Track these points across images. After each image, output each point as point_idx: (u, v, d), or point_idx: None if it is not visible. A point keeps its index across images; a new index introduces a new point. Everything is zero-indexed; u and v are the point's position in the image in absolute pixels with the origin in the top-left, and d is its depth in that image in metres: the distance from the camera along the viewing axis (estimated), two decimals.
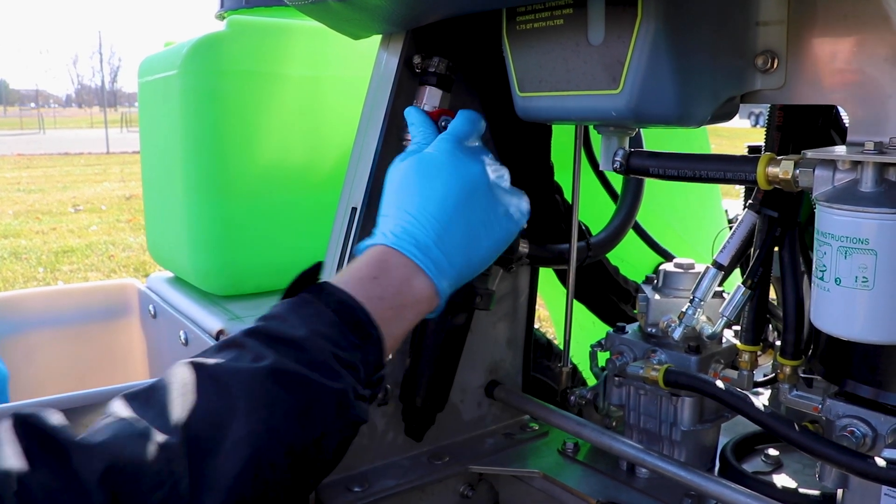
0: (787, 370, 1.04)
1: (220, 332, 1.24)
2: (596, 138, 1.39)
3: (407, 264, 0.86)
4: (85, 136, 30.90)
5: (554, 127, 1.39)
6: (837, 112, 1.08)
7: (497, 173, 0.98)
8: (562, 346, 1.45)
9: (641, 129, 1.44)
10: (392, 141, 1.17)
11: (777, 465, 1.20)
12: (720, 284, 1.14)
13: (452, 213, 0.90)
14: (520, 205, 1.00)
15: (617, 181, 1.54)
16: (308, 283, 0.82)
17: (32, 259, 6.88)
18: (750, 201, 1.10)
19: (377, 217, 0.93)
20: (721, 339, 1.19)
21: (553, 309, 2.12)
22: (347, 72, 1.45)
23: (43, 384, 1.55)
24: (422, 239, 0.88)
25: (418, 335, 1.20)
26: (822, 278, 0.81)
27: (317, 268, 0.85)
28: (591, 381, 1.41)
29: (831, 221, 0.79)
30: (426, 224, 0.88)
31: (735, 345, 1.17)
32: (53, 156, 20.64)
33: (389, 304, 0.83)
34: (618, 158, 1.03)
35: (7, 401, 1.31)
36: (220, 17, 1.56)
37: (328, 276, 1.20)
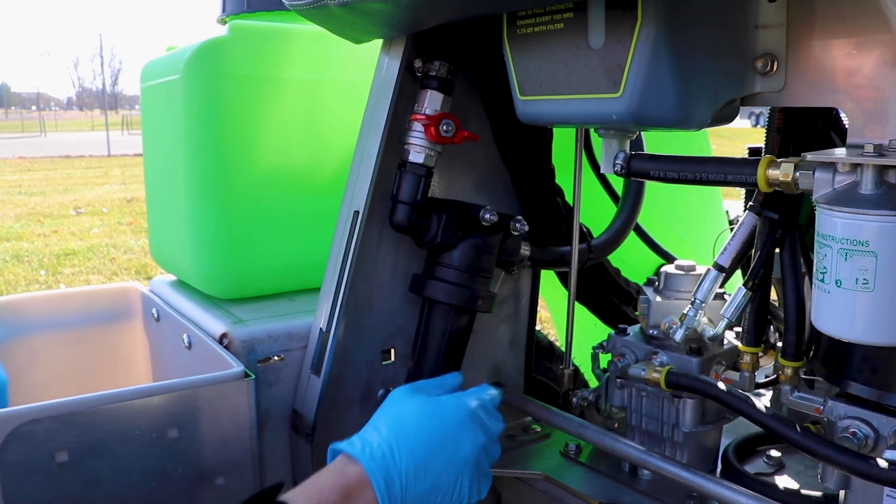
0: (789, 371, 1.04)
1: (224, 336, 1.24)
2: (597, 141, 1.39)
3: (369, 499, 0.88)
4: (86, 138, 30.90)
5: (555, 130, 1.39)
6: (837, 114, 1.08)
7: (490, 447, 1.03)
8: (563, 348, 1.45)
9: (642, 132, 1.45)
10: (393, 144, 1.18)
11: (779, 467, 1.21)
12: (721, 286, 1.14)
13: (430, 462, 0.94)
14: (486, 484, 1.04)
15: (618, 183, 1.55)
16: (266, 501, 0.83)
17: (34, 262, 6.89)
18: (751, 203, 1.10)
19: (366, 426, 0.97)
20: (722, 340, 1.20)
21: (554, 311, 2.12)
22: (349, 76, 1.45)
23: (45, 388, 1.56)
24: (393, 473, 0.90)
25: (421, 338, 1.20)
26: (822, 280, 0.81)
27: (277, 488, 0.86)
28: (593, 382, 1.41)
29: (832, 224, 0.79)
30: (405, 462, 0.91)
31: (736, 346, 1.17)
32: (55, 158, 20.64)
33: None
34: (618, 161, 1.03)
35: (6, 405, 1.31)
36: (222, 22, 1.56)
37: (330, 279, 1.21)
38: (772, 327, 1.30)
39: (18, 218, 9.51)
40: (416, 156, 1.16)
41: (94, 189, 12.64)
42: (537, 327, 1.53)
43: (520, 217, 1.23)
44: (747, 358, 1.13)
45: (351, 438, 0.94)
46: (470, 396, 1.03)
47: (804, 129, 1.05)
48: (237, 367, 1.15)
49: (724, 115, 0.95)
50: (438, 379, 1.09)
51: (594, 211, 1.50)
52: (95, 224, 8.98)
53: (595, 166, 1.52)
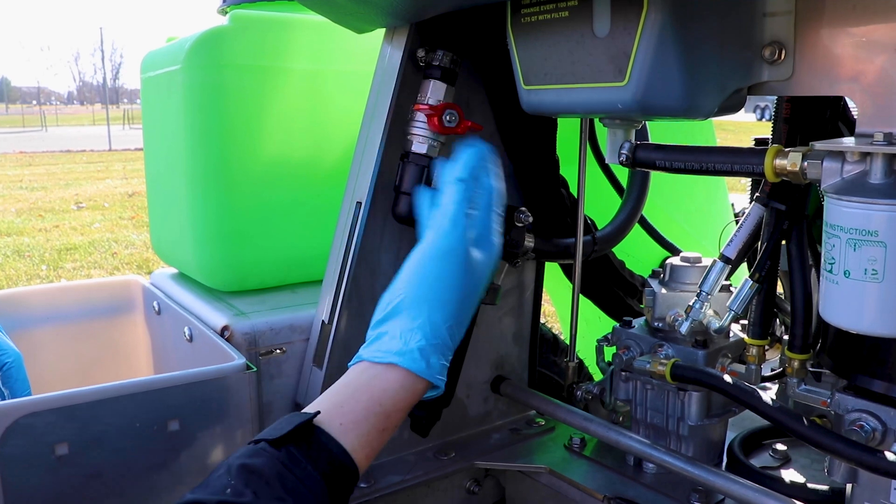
0: (796, 364, 1.03)
1: (225, 328, 1.24)
2: (601, 132, 1.38)
3: (415, 384, 0.83)
4: (87, 133, 30.91)
5: (559, 120, 1.38)
6: (845, 103, 1.07)
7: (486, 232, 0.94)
8: (568, 341, 1.44)
9: (647, 122, 1.43)
10: (396, 135, 1.17)
11: (785, 460, 1.20)
12: (727, 278, 1.14)
13: (461, 311, 0.88)
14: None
15: (623, 175, 1.54)
16: (301, 434, 0.77)
17: (35, 257, 6.89)
18: (757, 194, 1.09)
19: (390, 292, 0.89)
20: (728, 333, 1.19)
21: (559, 304, 2.12)
22: (351, 66, 1.44)
23: (47, 381, 1.55)
24: (441, 350, 0.85)
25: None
26: (830, 271, 0.80)
27: (310, 420, 0.78)
28: (598, 375, 1.40)
29: (840, 213, 0.78)
30: (442, 337, 0.86)
31: (742, 339, 1.16)
32: (56, 153, 20.65)
33: (382, 439, 0.81)
34: (624, 151, 1.02)
35: (27, 381, 1.31)
36: (223, 12, 1.55)
37: (332, 271, 1.20)
38: (778, 320, 1.29)
39: (19, 213, 9.51)
40: (419, 146, 1.14)
41: (96, 184, 12.65)
42: (541, 320, 1.52)
43: (524, 208, 1.21)
44: (753, 350, 1.12)
45: (402, 351, 0.84)
46: (468, 225, 0.92)
47: (812, 119, 1.04)
48: (239, 359, 1.14)
49: (731, 105, 0.94)
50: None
51: (599, 202, 1.49)
52: (97, 219, 8.98)
53: (599, 157, 1.51)
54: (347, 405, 0.81)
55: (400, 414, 0.83)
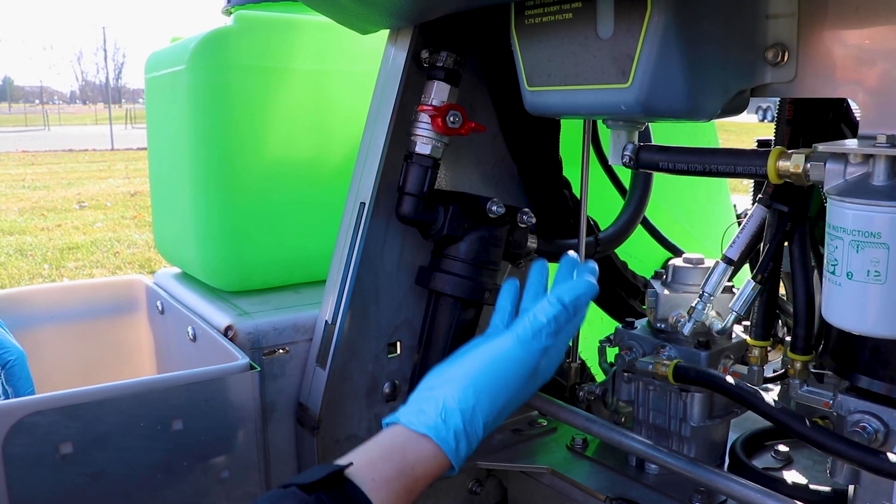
0: (798, 365, 1.04)
1: (229, 328, 1.24)
2: (604, 133, 1.39)
3: (442, 460, 0.87)
4: (89, 132, 30.92)
5: (563, 122, 1.38)
6: (848, 106, 1.07)
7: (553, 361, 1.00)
8: (570, 342, 1.44)
9: (650, 124, 1.44)
10: (400, 136, 1.17)
11: (787, 462, 1.20)
12: (730, 279, 1.14)
13: (503, 414, 0.93)
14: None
15: (625, 176, 1.54)
16: (332, 482, 0.78)
17: (38, 256, 6.90)
18: (760, 196, 1.09)
19: (433, 373, 0.94)
20: (731, 334, 1.19)
21: None
22: (355, 67, 1.44)
23: (50, 380, 1.55)
24: (472, 439, 0.89)
25: (427, 331, 1.20)
26: (833, 272, 0.80)
27: (341, 471, 0.80)
28: (600, 376, 1.40)
29: (843, 215, 0.78)
30: (478, 429, 0.89)
31: (745, 340, 1.16)
32: (58, 152, 20.67)
33: (411, 489, 0.83)
34: (627, 153, 1.03)
35: (30, 379, 1.32)
36: (227, 13, 1.55)
37: (336, 272, 1.20)
38: (780, 321, 1.30)
39: (22, 212, 9.52)
40: (423, 147, 1.15)
41: (98, 183, 12.66)
42: None
43: (527, 209, 1.22)
44: (756, 352, 1.12)
45: (438, 424, 0.87)
46: (538, 333, 0.96)
47: (814, 121, 1.04)
48: (242, 359, 1.14)
49: (734, 106, 0.94)
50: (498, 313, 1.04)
51: (602, 204, 1.50)
52: (99, 218, 8.99)
53: (602, 159, 1.52)
54: (380, 463, 0.83)
55: (426, 481, 0.85)
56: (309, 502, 0.74)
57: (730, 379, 1.02)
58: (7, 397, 1.29)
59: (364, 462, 0.82)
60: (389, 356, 1.26)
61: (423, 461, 0.85)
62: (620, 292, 1.56)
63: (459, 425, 0.88)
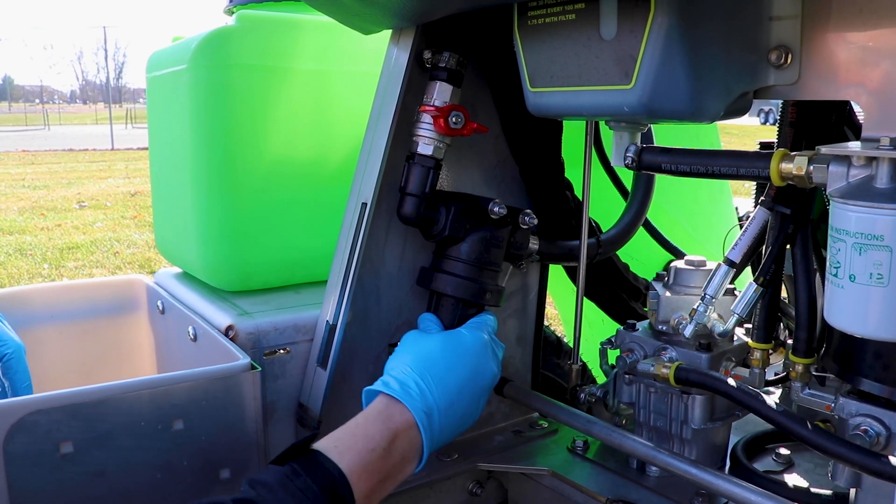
0: (800, 368, 1.03)
1: (230, 328, 1.24)
2: (607, 135, 1.39)
3: (413, 438, 0.95)
4: (90, 132, 30.92)
5: (565, 123, 1.38)
6: (851, 108, 1.07)
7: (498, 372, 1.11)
8: (571, 344, 1.44)
9: (652, 125, 1.44)
10: (402, 136, 1.17)
11: (788, 465, 1.20)
12: (732, 282, 1.14)
13: (461, 396, 1.02)
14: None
15: (627, 178, 1.54)
16: (302, 451, 0.88)
17: (37, 255, 6.89)
18: (762, 198, 1.09)
19: (393, 367, 1.03)
20: (732, 336, 1.19)
21: (562, 306, 2.12)
22: (357, 67, 1.44)
23: (50, 380, 1.55)
24: (433, 410, 0.97)
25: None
26: (836, 275, 0.80)
27: (310, 438, 0.91)
28: (601, 378, 1.40)
29: (846, 218, 0.78)
30: (441, 399, 0.98)
31: (747, 343, 1.16)
32: (58, 152, 20.66)
33: (381, 478, 0.91)
34: (629, 154, 1.03)
35: (27, 372, 1.31)
36: (229, 12, 1.55)
37: (337, 272, 1.20)
38: (782, 324, 1.29)
39: (22, 211, 9.52)
40: (425, 147, 1.15)
41: (98, 183, 12.66)
42: (545, 323, 1.52)
43: (529, 210, 1.22)
44: (757, 354, 1.12)
45: (385, 380, 0.99)
46: (481, 328, 1.11)
47: (817, 124, 1.04)
48: (243, 359, 1.14)
49: (737, 108, 0.94)
50: (428, 325, 1.15)
51: (603, 205, 1.50)
52: (99, 218, 8.99)
53: (605, 160, 1.52)
54: (336, 432, 0.93)
55: (383, 435, 0.92)
56: (283, 470, 0.84)
57: (731, 381, 1.02)
58: (3, 390, 1.29)
59: (329, 436, 0.92)
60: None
61: (373, 415, 0.95)
62: (622, 294, 1.56)
63: (407, 375, 0.98)
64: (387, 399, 0.97)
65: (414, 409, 0.95)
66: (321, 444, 0.90)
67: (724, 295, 1.13)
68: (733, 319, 1.09)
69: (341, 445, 0.90)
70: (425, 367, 1.00)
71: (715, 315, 1.13)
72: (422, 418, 0.95)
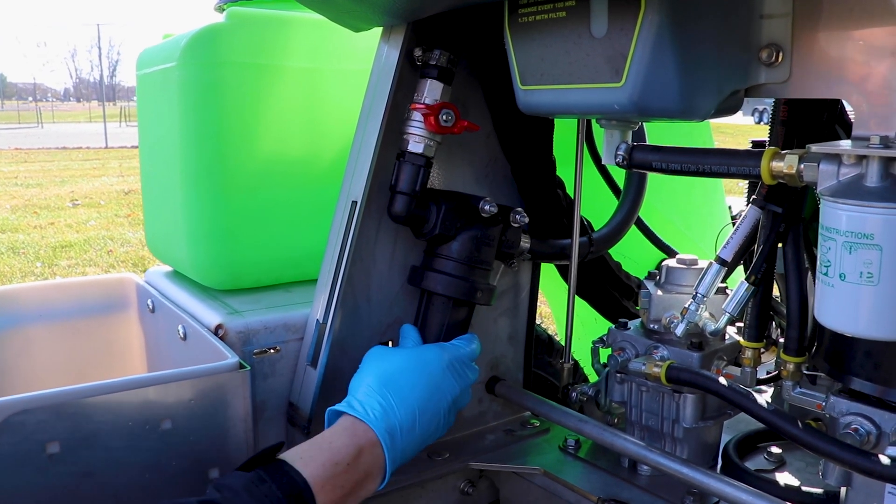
0: (791, 367, 1.03)
1: (219, 327, 1.23)
2: (598, 133, 1.38)
3: (377, 456, 0.98)
4: (83, 130, 30.83)
5: (556, 121, 1.38)
6: (842, 107, 1.07)
7: (465, 387, 1.13)
8: (563, 343, 1.44)
9: (644, 124, 1.43)
10: (392, 134, 1.16)
11: (780, 463, 1.20)
12: (723, 281, 1.13)
13: (423, 415, 1.04)
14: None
15: (619, 176, 1.53)
16: (268, 459, 0.91)
17: (30, 254, 6.87)
18: (754, 197, 1.09)
19: (357, 386, 1.05)
20: (724, 335, 1.19)
21: (554, 305, 2.12)
22: (348, 64, 1.44)
23: (39, 379, 1.54)
24: (396, 429, 1.00)
25: (419, 330, 1.19)
26: (826, 274, 0.80)
27: (277, 447, 0.94)
28: (593, 377, 1.40)
29: (836, 216, 0.78)
30: (403, 418, 1.01)
31: (738, 341, 1.16)
32: (51, 150, 20.59)
33: (344, 492, 0.93)
34: (620, 152, 1.02)
35: None
36: (220, 9, 1.54)
37: (327, 271, 1.20)
38: (774, 322, 1.29)
39: (14, 209, 9.48)
40: (416, 146, 1.14)
41: (91, 181, 12.62)
42: (537, 321, 1.52)
43: (520, 209, 1.21)
44: (749, 353, 1.12)
45: (349, 401, 1.02)
46: (446, 348, 1.12)
47: (809, 122, 1.04)
48: (232, 358, 1.13)
49: (728, 107, 0.94)
50: (405, 340, 1.17)
51: (595, 204, 1.49)
52: (92, 216, 8.96)
53: (596, 158, 1.51)
54: (305, 445, 0.96)
55: (348, 450, 0.95)
56: (248, 476, 0.87)
57: (722, 380, 1.02)
58: None
59: (295, 447, 0.95)
60: None
61: (338, 431, 0.98)
62: (614, 293, 1.56)
63: (371, 396, 1.01)
64: (351, 419, 0.99)
65: (377, 429, 0.98)
66: (287, 454, 0.92)
67: (715, 294, 1.13)
68: (725, 318, 1.09)
69: (307, 456, 0.92)
70: (387, 386, 1.03)
71: (706, 314, 1.13)
72: (385, 437, 0.98)
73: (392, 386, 1.03)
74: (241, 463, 0.92)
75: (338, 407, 1.02)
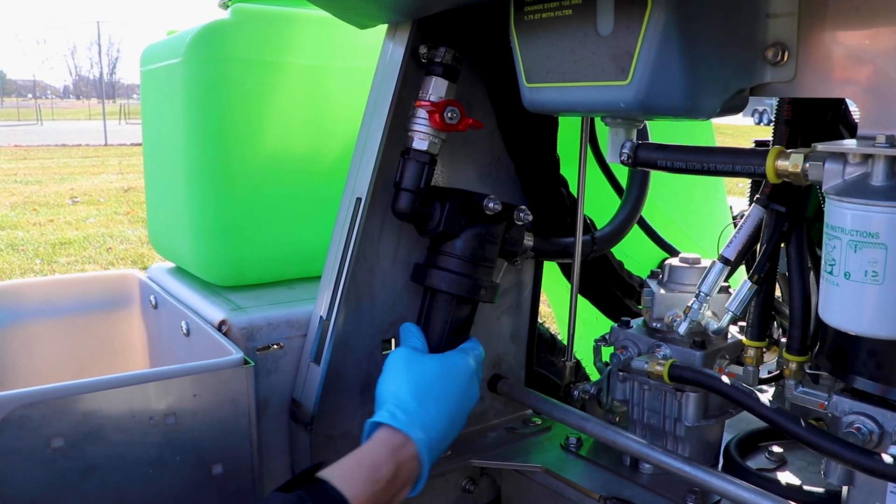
0: (793, 366, 1.04)
1: (223, 323, 1.23)
2: (602, 132, 1.38)
3: (414, 469, 0.97)
4: (83, 127, 30.78)
5: (560, 120, 1.38)
6: (846, 106, 1.07)
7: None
8: (565, 341, 1.44)
9: (647, 122, 1.43)
10: (397, 131, 1.17)
11: (781, 462, 1.20)
12: (726, 280, 1.13)
13: (453, 423, 1.05)
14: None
15: (622, 175, 1.54)
16: (307, 479, 0.90)
17: (30, 251, 6.86)
18: (757, 196, 1.09)
19: (390, 397, 1.03)
20: (726, 334, 1.19)
21: (556, 304, 2.12)
22: (353, 62, 1.44)
23: (42, 375, 1.54)
24: (433, 440, 1.00)
25: (423, 327, 1.19)
26: (831, 272, 0.80)
27: (317, 466, 0.92)
28: (595, 375, 1.40)
29: (841, 215, 0.78)
30: (439, 428, 1.01)
31: (740, 340, 1.16)
32: (51, 147, 20.56)
33: (376, 477, 0.93)
34: (625, 151, 1.02)
35: None
36: (224, 6, 1.54)
37: (331, 267, 1.20)
38: (776, 322, 1.30)
39: (14, 206, 9.47)
40: (420, 143, 1.14)
41: (91, 178, 12.60)
42: (539, 320, 1.52)
43: (524, 207, 1.21)
44: (751, 352, 1.12)
45: (391, 411, 1.00)
46: (469, 355, 1.13)
47: (813, 121, 1.04)
48: (236, 354, 1.13)
49: (733, 105, 0.94)
50: (411, 339, 1.16)
51: (598, 202, 1.49)
52: (92, 213, 8.95)
53: (600, 157, 1.51)
54: (345, 460, 0.95)
55: (389, 467, 0.94)
56: (289, 498, 0.85)
57: (725, 379, 1.02)
58: None
59: (335, 464, 0.93)
60: (384, 353, 1.26)
61: (377, 444, 0.96)
62: (616, 291, 1.56)
63: (409, 405, 1.00)
64: (391, 430, 0.98)
65: (418, 442, 0.97)
66: (326, 472, 0.91)
67: (718, 293, 1.13)
68: (727, 317, 1.09)
69: (347, 474, 0.91)
70: (424, 396, 1.02)
71: (709, 313, 1.13)
72: (424, 451, 0.97)
73: (429, 395, 1.02)
74: (281, 481, 0.91)
75: (377, 418, 1.00)
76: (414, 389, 1.02)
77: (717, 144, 2.03)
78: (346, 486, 0.88)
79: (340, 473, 0.91)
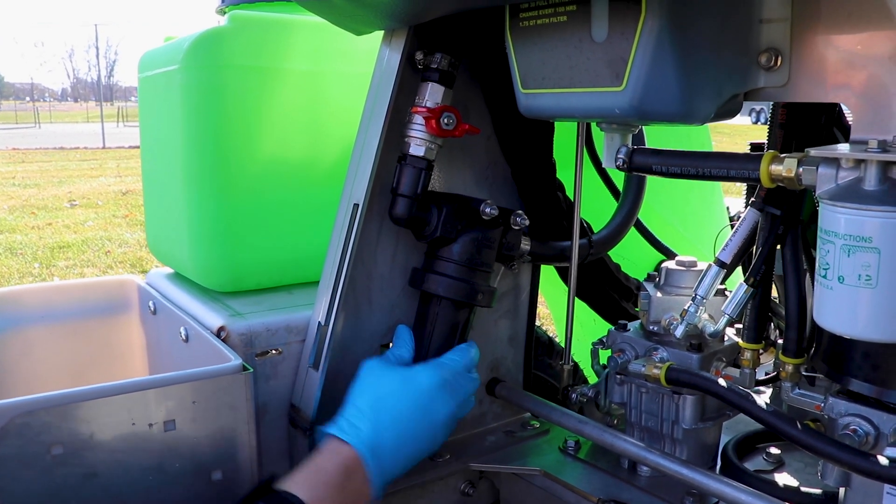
0: (790, 368, 1.04)
1: (221, 329, 1.24)
2: (598, 135, 1.39)
3: (364, 481, 0.99)
4: (81, 130, 30.77)
5: (556, 124, 1.38)
6: (841, 110, 1.08)
7: (463, 399, 1.13)
8: (563, 344, 1.45)
9: (643, 126, 1.44)
10: (393, 137, 1.17)
11: (779, 464, 1.20)
12: (722, 282, 1.14)
13: (415, 436, 1.06)
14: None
15: (619, 179, 1.54)
16: (264, 492, 0.93)
17: (28, 254, 6.86)
18: (752, 199, 1.10)
19: (347, 406, 1.06)
20: (723, 337, 1.19)
21: (554, 307, 2.12)
22: (349, 68, 1.44)
23: (41, 381, 1.54)
24: (383, 449, 1.02)
25: (420, 332, 1.20)
26: (825, 276, 0.80)
27: (270, 480, 0.95)
28: (593, 378, 1.41)
29: (835, 219, 0.79)
30: (391, 439, 1.03)
31: (737, 343, 1.17)
32: (49, 150, 20.56)
33: (324, 481, 0.96)
34: (621, 156, 1.03)
35: None
36: (221, 12, 1.55)
37: (329, 273, 1.21)
38: (772, 324, 1.30)
39: (12, 210, 9.47)
40: (417, 149, 1.15)
41: (89, 181, 12.60)
42: (537, 323, 1.53)
43: (520, 211, 1.22)
44: (748, 354, 1.13)
45: (338, 422, 1.04)
46: (441, 365, 1.12)
47: (807, 125, 1.05)
48: (235, 360, 1.14)
49: (728, 110, 0.95)
50: (400, 344, 1.18)
51: (595, 206, 1.50)
52: (90, 217, 8.96)
53: (596, 161, 1.52)
54: (295, 473, 0.97)
55: (338, 477, 0.97)
56: None
57: (721, 381, 1.03)
58: None
59: (286, 476, 0.96)
60: None
61: (325, 454, 1.00)
62: (613, 294, 1.56)
63: (361, 418, 1.03)
64: (337, 441, 1.01)
65: (361, 450, 1.00)
66: (282, 484, 0.94)
67: (714, 295, 1.13)
68: (724, 320, 1.10)
69: (301, 481, 0.95)
70: (375, 409, 1.04)
71: (706, 315, 1.13)
72: (369, 458, 1.00)
73: (381, 408, 1.05)
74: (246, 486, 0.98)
75: (326, 429, 1.04)
76: (367, 402, 1.05)
77: (715, 143, 2.04)
78: (299, 490, 0.92)
79: (294, 482, 0.94)
